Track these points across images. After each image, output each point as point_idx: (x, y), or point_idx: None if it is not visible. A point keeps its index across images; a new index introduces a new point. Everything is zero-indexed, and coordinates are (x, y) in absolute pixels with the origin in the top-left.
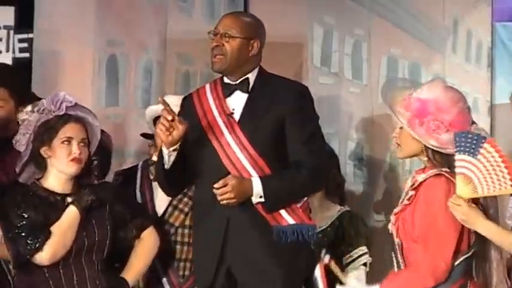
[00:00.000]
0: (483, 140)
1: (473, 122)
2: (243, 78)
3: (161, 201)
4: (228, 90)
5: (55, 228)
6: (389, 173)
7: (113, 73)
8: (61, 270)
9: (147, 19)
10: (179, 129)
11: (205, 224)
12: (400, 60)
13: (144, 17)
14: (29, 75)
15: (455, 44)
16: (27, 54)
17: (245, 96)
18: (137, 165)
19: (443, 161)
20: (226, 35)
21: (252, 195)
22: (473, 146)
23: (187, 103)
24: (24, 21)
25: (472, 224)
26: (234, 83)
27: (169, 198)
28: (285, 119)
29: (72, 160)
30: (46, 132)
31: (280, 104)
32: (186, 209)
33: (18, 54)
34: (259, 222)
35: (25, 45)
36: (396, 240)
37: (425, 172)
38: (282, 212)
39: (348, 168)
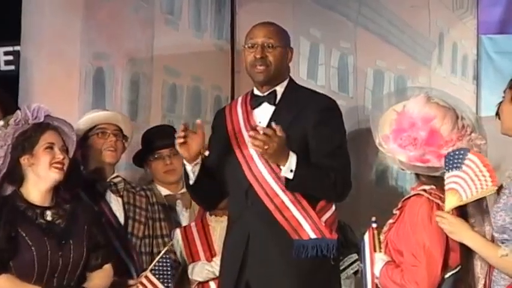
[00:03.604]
0: (468, 152)
1: (471, 131)
2: (272, 90)
3: (117, 212)
4: (256, 102)
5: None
6: (375, 186)
7: (100, 86)
8: None
9: (133, 32)
10: (197, 140)
11: (230, 238)
12: (386, 73)
13: (131, 30)
14: (15, 89)
15: (441, 56)
16: (12, 67)
17: (272, 108)
18: None
19: (428, 178)
20: (269, 46)
21: (284, 164)
22: (460, 160)
23: (220, 115)
24: (10, 34)
25: (459, 235)
26: (262, 94)
27: (123, 209)
28: (308, 132)
29: (56, 164)
30: (26, 140)
31: (305, 117)
32: (143, 219)
33: (3, 67)
34: (280, 237)
35: (11, 58)
36: (388, 257)
37: (414, 190)
38: (304, 224)
39: None
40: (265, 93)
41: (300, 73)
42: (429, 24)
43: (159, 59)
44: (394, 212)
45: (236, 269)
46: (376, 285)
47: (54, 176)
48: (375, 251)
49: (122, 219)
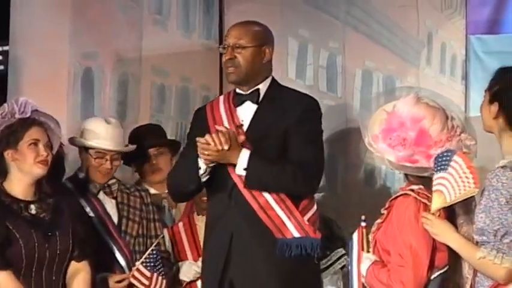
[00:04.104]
0: (454, 154)
1: (462, 131)
2: (254, 88)
3: (110, 212)
4: (239, 101)
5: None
6: (364, 185)
7: (88, 86)
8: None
9: (122, 32)
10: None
11: (212, 237)
12: (374, 73)
13: (119, 30)
14: (4, 88)
15: (429, 56)
16: (1, 67)
17: (254, 107)
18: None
19: (416, 178)
20: (238, 46)
21: (235, 163)
22: (446, 162)
23: (200, 114)
24: None
25: (443, 236)
26: (245, 93)
27: (117, 209)
28: (289, 130)
29: (40, 162)
30: (11, 135)
31: (287, 116)
32: (137, 219)
33: None
34: (263, 235)
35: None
36: (375, 257)
37: (402, 190)
38: (288, 223)
39: (322, 180)
40: (248, 92)
41: (288, 73)
42: (418, 25)
43: (147, 59)
44: (382, 211)
45: (220, 268)
46: (363, 284)
47: (37, 172)
48: (363, 250)
49: (115, 219)
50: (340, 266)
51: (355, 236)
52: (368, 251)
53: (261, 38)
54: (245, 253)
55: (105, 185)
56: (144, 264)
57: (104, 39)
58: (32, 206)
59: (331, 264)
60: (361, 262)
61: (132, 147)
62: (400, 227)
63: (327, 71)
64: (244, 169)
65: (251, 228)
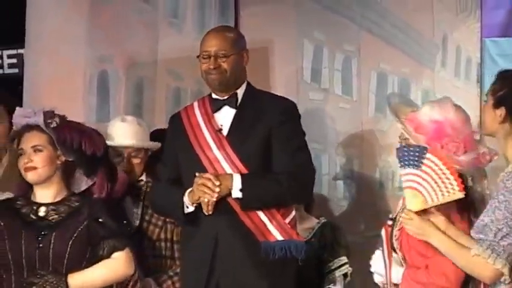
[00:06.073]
0: (425, 151)
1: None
2: (232, 93)
3: (134, 214)
4: (217, 106)
5: None
6: (379, 189)
7: (104, 89)
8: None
9: (137, 35)
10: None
11: (194, 239)
12: (389, 76)
13: (135, 33)
14: (19, 91)
15: (444, 59)
16: (16, 70)
17: (233, 111)
18: None
19: None
20: (221, 55)
21: (232, 187)
22: (416, 159)
23: (176, 121)
24: (14, 37)
25: (428, 236)
26: (222, 98)
27: (140, 213)
28: (272, 133)
29: (25, 169)
30: (15, 151)
31: (267, 119)
32: (160, 223)
33: (7, 70)
34: (248, 237)
35: (14, 61)
36: (400, 253)
37: None
38: (270, 227)
39: (337, 183)
40: (226, 97)
41: (303, 76)
42: (433, 27)
43: (162, 62)
44: None
45: (205, 271)
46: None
47: (29, 178)
48: (392, 248)
49: (136, 224)
50: (341, 273)
51: (383, 233)
52: (393, 248)
53: (239, 44)
54: (231, 256)
55: (133, 187)
56: None
57: (119, 42)
58: (42, 208)
59: (332, 271)
60: (392, 266)
61: (150, 143)
62: None
63: (342, 74)
64: (240, 190)
65: (235, 230)
